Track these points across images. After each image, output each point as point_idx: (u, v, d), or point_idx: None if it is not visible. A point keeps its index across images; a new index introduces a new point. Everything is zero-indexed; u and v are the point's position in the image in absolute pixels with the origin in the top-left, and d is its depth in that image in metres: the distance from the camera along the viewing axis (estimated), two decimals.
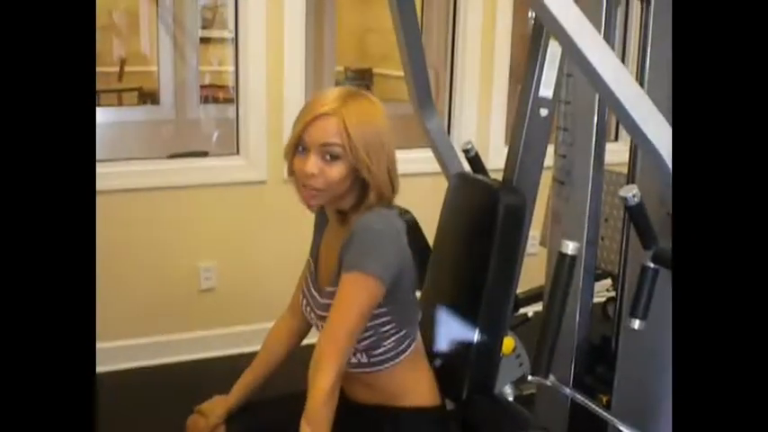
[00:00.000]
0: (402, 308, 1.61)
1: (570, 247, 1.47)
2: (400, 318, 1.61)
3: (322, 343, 1.51)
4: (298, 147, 1.54)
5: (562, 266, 1.47)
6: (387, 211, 1.59)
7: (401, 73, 2.26)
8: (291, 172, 1.59)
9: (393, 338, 1.61)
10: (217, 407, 1.80)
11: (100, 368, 3.28)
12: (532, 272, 2.29)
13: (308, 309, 1.70)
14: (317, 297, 1.65)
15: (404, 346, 1.63)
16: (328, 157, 1.51)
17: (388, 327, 1.60)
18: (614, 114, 1.43)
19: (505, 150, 2.03)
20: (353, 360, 1.63)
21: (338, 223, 1.62)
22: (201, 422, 1.79)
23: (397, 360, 1.63)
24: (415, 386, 1.68)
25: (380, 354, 1.61)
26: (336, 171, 1.51)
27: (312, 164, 1.51)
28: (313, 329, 1.78)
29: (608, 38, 1.92)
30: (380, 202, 1.57)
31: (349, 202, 1.58)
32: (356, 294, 1.50)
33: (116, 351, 3.35)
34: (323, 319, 1.60)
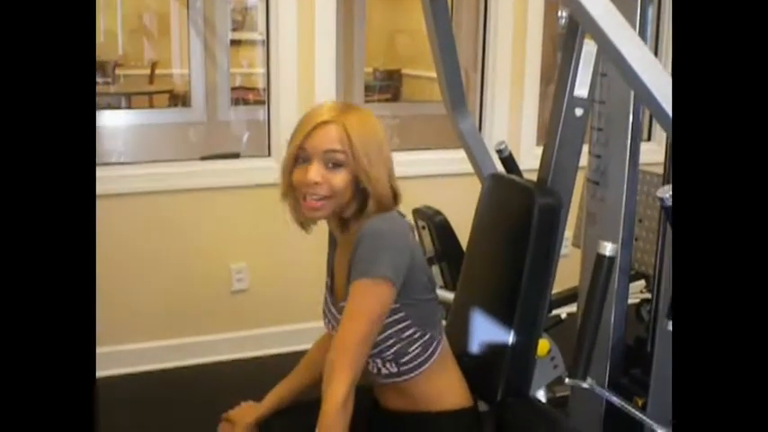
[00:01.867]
0: (420, 309, 1.58)
1: (608, 249, 1.46)
2: (420, 320, 1.58)
3: (334, 353, 1.49)
4: (297, 158, 1.54)
5: (600, 268, 1.46)
6: (389, 214, 1.57)
7: (430, 74, 2.25)
8: (287, 191, 1.58)
9: (418, 343, 1.59)
10: (246, 414, 1.80)
11: (133, 368, 3.32)
12: (565, 273, 2.27)
13: (331, 327, 1.69)
14: (336, 314, 1.64)
15: (431, 349, 1.62)
16: (331, 165, 1.51)
17: (409, 331, 1.58)
18: (650, 112, 1.41)
19: (537, 151, 2.01)
20: (384, 371, 1.61)
21: (339, 231, 1.62)
22: (230, 429, 1.79)
23: (426, 365, 1.61)
24: (447, 389, 1.66)
25: (409, 361, 1.60)
26: (340, 178, 1.51)
27: (315, 172, 1.51)
28: None
29: (642, 35, 1.91)
30: (378, 209, 1.56)
31: (349, 212, 1.57)
32: (365, 301, 1.48)
33: (148, 352, 3.38)
34: None
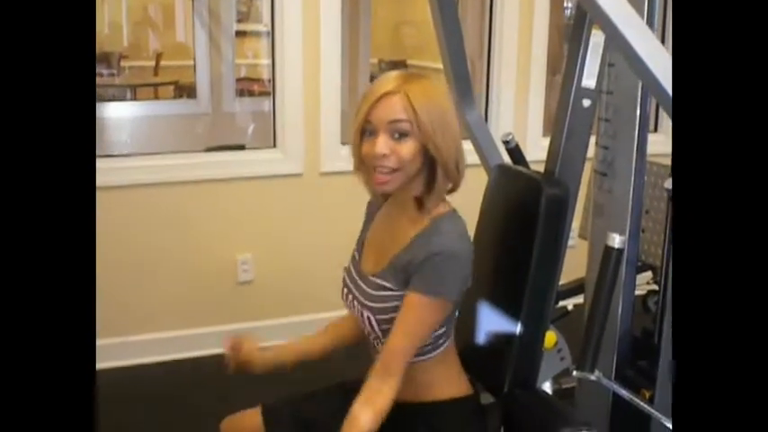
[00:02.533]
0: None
1: (617, 241, 1.45)
2: (445, 318, 1.60)
3: (392, 355, 1.51)
4: (364, 131, 1.54)
5: (608, 260, 1.45)
6: (458, 226, 1.57)
7: (436, 65, 2.23)
8: (359, 165, 1.58)
9: (432, 335, 1.60)
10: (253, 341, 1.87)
11: (139, 360, 3.32)
12: (572, 264, 2.26)
13: (350, 297, 1.68)
14: (362, 285, 1.64)
15: (440, 342, 1.62)
16: (397, 136, 1.50)
17: None
18: (659, 103, 1.40)
19: (544, 142, 2.00)
20: None
21: (414, 211, 1.59)
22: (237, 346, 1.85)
23: (431, 354, 1.62)
24: (445, 380, 1.67)
25: (417, 348, 1.60)
26: (407, 149, 1.50)
27: (382, 144, 1.50)
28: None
29: (649, 24, 1.89)
30: (448, 182, 1.56)
31: (419, 185, 1.56)
32: (424, 317, 1.51)
33: (154, 343, 3.38)
34: (367, 308, 1.60)
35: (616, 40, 1.35)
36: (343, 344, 1.85)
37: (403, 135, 1.50)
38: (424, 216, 1.57)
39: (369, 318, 1.60)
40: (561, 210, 1.71)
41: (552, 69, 4.02)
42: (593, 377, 1.49)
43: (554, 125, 1.86)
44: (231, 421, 1.84)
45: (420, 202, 1.57)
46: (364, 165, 1.57)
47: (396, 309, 1.54)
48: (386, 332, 1.57)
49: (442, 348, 1.63)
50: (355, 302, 1.65)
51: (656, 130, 4.09)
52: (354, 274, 1.70)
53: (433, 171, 1.54)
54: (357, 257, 1.73)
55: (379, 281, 1.59)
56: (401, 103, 1.50)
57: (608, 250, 1.46)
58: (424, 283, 1.50)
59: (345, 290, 1.71)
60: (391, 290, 1.56)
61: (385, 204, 1.70)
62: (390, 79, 1.53)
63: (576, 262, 2.26)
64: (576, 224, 3.12)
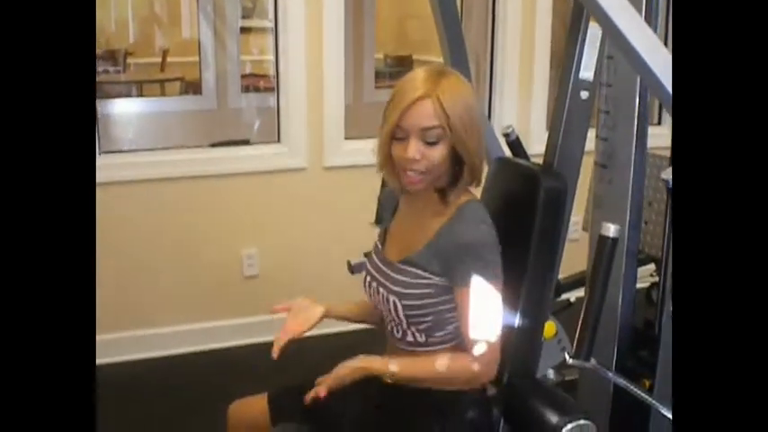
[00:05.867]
0: None
1: (611, 230, 1.46)
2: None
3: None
4: (395, 134, 1.57)
5: (603, 249, 1.47)
6: (480, 212, 1.62)
7: (442, 59, 2.25)
8: (385, 163, 1.62)
9: (453, 325, 1.65)
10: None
11: (144, 354, 3.34)
12: (576, 257, 2.28)
13: (374, 284, 1.71)
14: (388, 272, 1.67)
15: (461, 331, 1.65)
16: (429, 140, 1.54)
17: (449, 315, 1.64)
18: (657, 97, 1.41)
19: (546, 136, 2.01)
20: (409, 338, 1.67)
21: (438, 203, 1.64)
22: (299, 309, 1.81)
23: (450, 344, 1.66)
24: None
25: (440, 336, 1.65)
26: (438, 153, 1.54)
27: (414, 149, 1.54)
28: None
29: (650, 20, 1.90)
30: (473, 178, 1.62)
31: (444, 181, 1.61)
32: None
33: (161, 337, 3.41)
34: (393, 293, 1.63)
35: (610, 33, 1.36)
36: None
37: (435, 140, 1.53)
38: (448, 206, 1.61)
39: (394, 302, 1.63)
40: (559, 201, 1.72)
41: (556, 63, 4.02)
42: (588, 365, 1.51)
43: (552, 117, 1.87)
44: (239, 405, 1.86)
45: (443, 194, 1.62)
46: (391, 162, 1.60)
47: (422, 295, 1.59)
48: (409, 317, 1.62)
49: (460, 339, 1.66)
50: (380, 289, 1.68)
51: (659, 122, 4.10)
52: (378, 262, 1.73)
53: (460, 168, 1.58)
54: (380, 247, 1.76)
55: (406, 267, 1.63)
56: (433, 109, 1.52)
57: (602, 239, 1.47)
58: (465, 278, 1.54)
59: (368, 278, 1.75)
60: (420, 276, 1.60)
61: (406, 196, 1.73)
62: (420, 81, 1.54)
63: (580, 255, 2.27)
64: (579, 217, 3.13)
